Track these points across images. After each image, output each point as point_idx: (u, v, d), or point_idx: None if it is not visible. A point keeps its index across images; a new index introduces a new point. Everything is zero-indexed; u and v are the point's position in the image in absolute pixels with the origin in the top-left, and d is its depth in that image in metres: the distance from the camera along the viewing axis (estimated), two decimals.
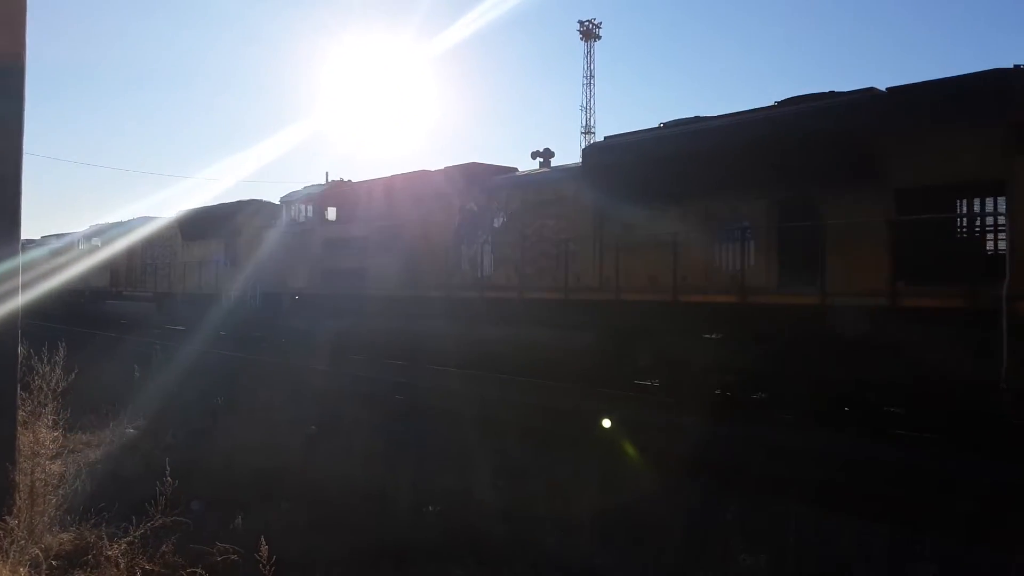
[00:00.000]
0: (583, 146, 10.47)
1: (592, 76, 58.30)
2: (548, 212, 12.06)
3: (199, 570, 4.27)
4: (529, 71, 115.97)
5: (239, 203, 21.66)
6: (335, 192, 16.80)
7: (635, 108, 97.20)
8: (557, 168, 12.33)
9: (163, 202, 67.84)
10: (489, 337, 12.46)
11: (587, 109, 58.42)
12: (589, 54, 57.46)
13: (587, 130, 59.57)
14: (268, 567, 3.99)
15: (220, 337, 20.26)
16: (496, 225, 12.99)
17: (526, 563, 4.91)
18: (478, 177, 13.80)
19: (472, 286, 13.24)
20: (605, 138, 11.33)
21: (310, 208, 17.31)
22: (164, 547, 4.50)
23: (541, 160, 13.38)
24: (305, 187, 18.01)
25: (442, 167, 14.59)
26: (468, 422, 8.79)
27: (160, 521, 4.61)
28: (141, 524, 4.55)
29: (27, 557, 4.18)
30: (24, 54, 5.22)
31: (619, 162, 10.75)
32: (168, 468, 5.07)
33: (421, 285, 14.15)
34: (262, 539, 4.16)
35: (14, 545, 4.21)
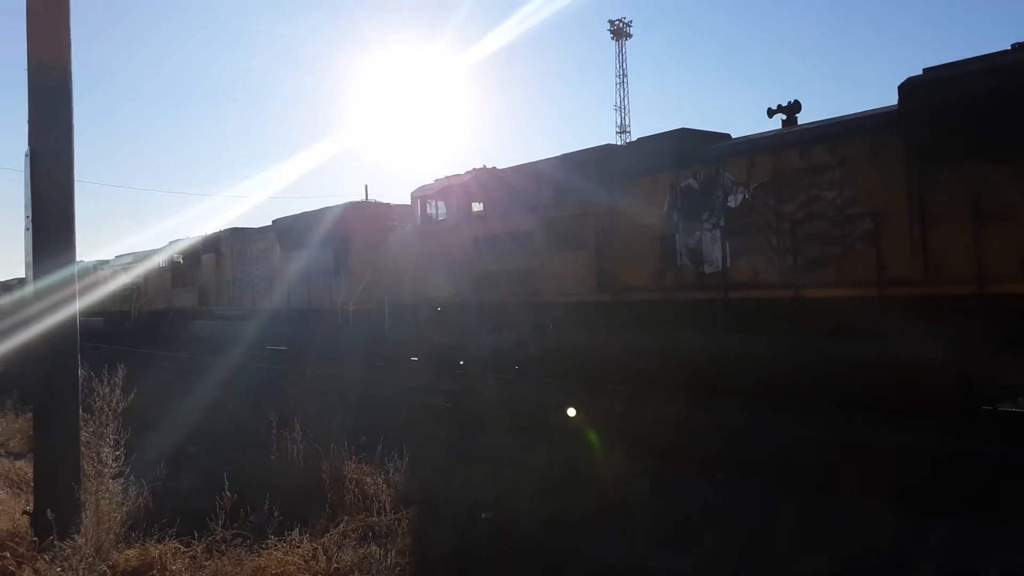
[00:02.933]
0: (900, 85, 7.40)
1: (625, 75, 57.46)
2: (822, 180, 8.99)
3: None
4: (561, 74, 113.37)
5: (350, 205, 19.16)
6: (482, 181, 14.01)
7: (670, 106, 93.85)
8: (835, 121, 9.27)
9: (191, 222, 67.00)
10: (736, 351, 9.44)
11: (621, 109, 57.35)
12: (621, 53, 56.81)
13: (622, 130, 57.88)
14: None
15: (339, 360, 17.69)
16: (732, 204, 9.97)
17: None
18: (694, 147, 10.83)
19: (699, 284, 10.24)
20: (943, 66, 8.10)
21: (451, 202, 14.57)
22: (226, 559, 4.49)
23: (783, 117, 10.31)
24: (439, 179, 15.28)
25: (635, 139, 11.68)
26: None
27: (221, 534, 4.69)
28: (203, 538, 4.65)
29: (96, 574, 4.26)
30: (71, 78, 5.42)
31: (971, 98, 7.61)
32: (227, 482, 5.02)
33: (618, 287, 11.22)
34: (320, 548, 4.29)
35: (83, 563, 4.28)
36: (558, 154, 12.61)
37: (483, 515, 5.16)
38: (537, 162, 13.20)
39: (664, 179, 10.77)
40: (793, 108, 10.21)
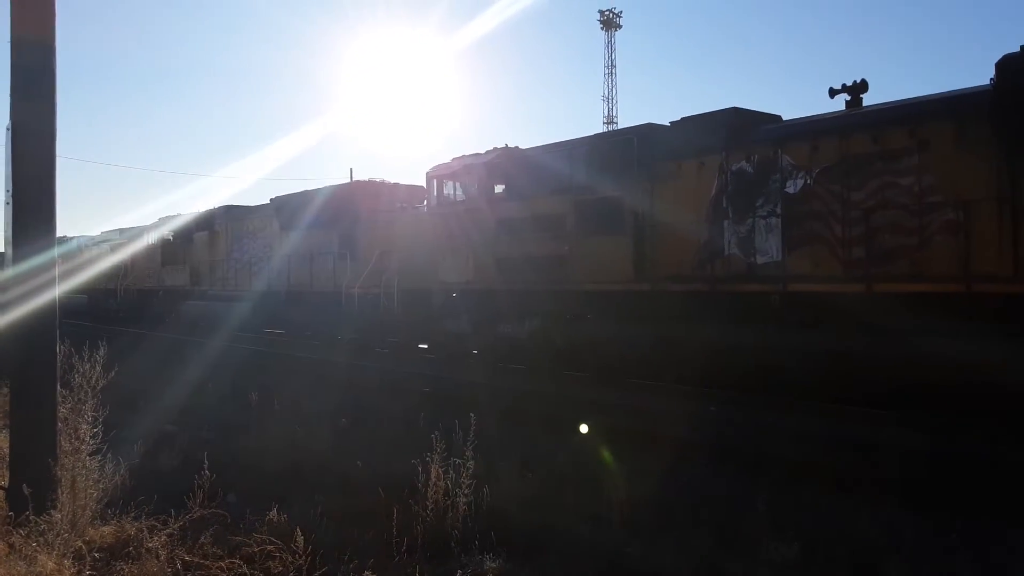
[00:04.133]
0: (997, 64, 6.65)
1: (613, 66, 57.28)
2: (898, 165, 8.26)
3: (237, 560, 4.22)
4: (548, 63, 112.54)
5: (355, 184, 18.22)
6: (505, 161, 13.16)
7: (658, 98, 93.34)
8: (914, 102, 8.52)
9: (183, 201, 65.43)
10: (797, 348, 8.70)
11: (609, 99, 57.15)
12: (610, 44, 56.69)
13: (609, 120, 57.53)
14: (305, 557, 3.93)
15: (339, 344, 16.81)
16: (791, 190, 9.21)
17: None
18: (747, 128, 10.06)
19: (750, 276, 9.48)
20: None
21: (471, 183, 13.71)
22: (203, 538, 4.48)
23: (847, 98, 9.54)
24: (456, 158, 14.41)
25: (680, 118, 10.88)
26: None
27: (199, 513, 4.67)
28: (180, 517, 4.59)
29: (71, 550, 4.24)
30: (54, 56, 5.33)
31: None
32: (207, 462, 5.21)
33: (658, 276, 10.44)
34: (297, 530, 4.11)
35: (59, 538, 4.27)
36: (589, 134, 11.84)
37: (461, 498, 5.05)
38: (568, 141, 12.37)
39: (713, 161, 9.99)
40: (859, 88, 9.43)
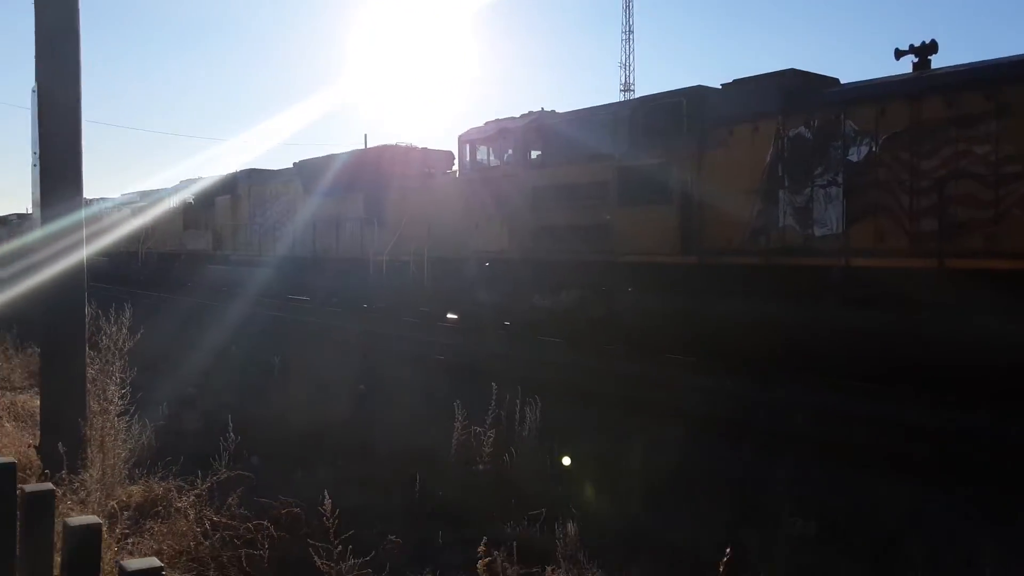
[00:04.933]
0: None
1: (631, 31, 55.34)
2: (974, 132, 7.71)
3: (265, 522, 4.21)
4: (563, 30, 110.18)
5: (383, 147, 17.75)
6: (542, 125, 12.65)
7: (676, 65, 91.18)
8: (993, 64, 7.92)
9: (201, 165, 65.54)
10: (859, 327, 8.28)
11: (626, 67, 55.43)
12: (628, 8, 54.30)
13: (626, 87, 55.88)
14: (332, 520, 3.69)
15: (366, 310, 16.57)
16: (854, 158, 8.70)
17: None
18: (806, 90, 9.50)
19: (807, 249, 9.02)
20: None
21: (505, 148, 13.24)
22: (230, 500, 4.46)
23: (914, 59, 8.94)
24: (489, 122, 13.92)
25: (732, 80, 10.32)
26: None
27: (224, 475, 4.66)
28: (208, 477, 4.58)
29: (103, 509, 4.23)
30: (78, 15, 5.30)
31: None
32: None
33: (706, 248, 10.00)
34: (325, 493, 3.88)
35: (90, 496, 4.31)
36: (635, 97, 11.29)
37: (480, 467, 5.21)
38: (609, 104, 11.86)
39: (768, 126, 9.46)
40: (927, 49, 8.84)
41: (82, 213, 5.59)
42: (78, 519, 1.60)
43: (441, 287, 14.35)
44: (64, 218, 5.43)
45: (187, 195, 26.03)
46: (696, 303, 9.80)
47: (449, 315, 15.09)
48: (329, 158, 19.13)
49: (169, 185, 28.03)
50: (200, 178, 25.79)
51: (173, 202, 26.80)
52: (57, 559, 2.45)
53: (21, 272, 6.20)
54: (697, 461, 6.06)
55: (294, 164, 20.71)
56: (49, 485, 1.94)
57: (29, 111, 5.87)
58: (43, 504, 1.87)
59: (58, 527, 3.86)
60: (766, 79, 9.80)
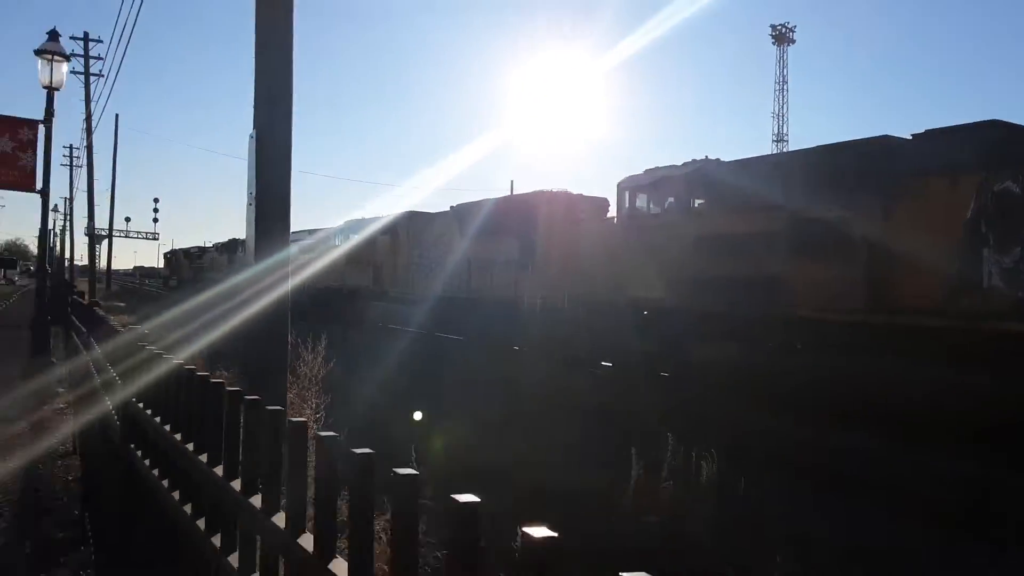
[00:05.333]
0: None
1: (785, 82, 54.04)
2: None
3: None
4: (712, 78, 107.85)
5: (538, 193, 18.16)
6: (705, 174, 12.43)
7: (830, 115, 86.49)
8: None
9: (361, 206, 69.87)
10: None
11: (779, 116, 54.16)
12: (782, 59, 53.69)
13: (779, 138, 54.36)
14: None
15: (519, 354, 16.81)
16: None
17: None
18: (1011, 143, 8.72)
19: (1016, 313, 8.16)
20: None
21: (665, 196, 13.11)
22: None
23: None
24: (649, 169, 13.87)
25: (924, 130, 9.66)
26: None
27: None
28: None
29: None
30: (292, 59, 5.61)
31: None
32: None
33: (895, 306, 9.30)
34: None
35: None
36: (814, 145, 10.82)
37: None
38: (781, 153, 11.53)
39: (969, 180, 8.73)
40: None
41: (289, 251, 5.94)
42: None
43: (595, 331, 14.29)
44: (275, 255, 5.77)
45: (350, 234, 27.89)
46: (891, 365, 9.08)
47: (604, 363, 14.98)
48: (484, 202, 19.84)
49: (333, 224, 30.21)
50: (362, 218, 27.57)
51: (337, 240, 28.76)
52: None
53: (239, 305, 6.54)
54: None
55: (451, 208, 21.63)
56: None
57: (246, 155, 6.38)
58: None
59: None
60: (964, 130, 9.08)
